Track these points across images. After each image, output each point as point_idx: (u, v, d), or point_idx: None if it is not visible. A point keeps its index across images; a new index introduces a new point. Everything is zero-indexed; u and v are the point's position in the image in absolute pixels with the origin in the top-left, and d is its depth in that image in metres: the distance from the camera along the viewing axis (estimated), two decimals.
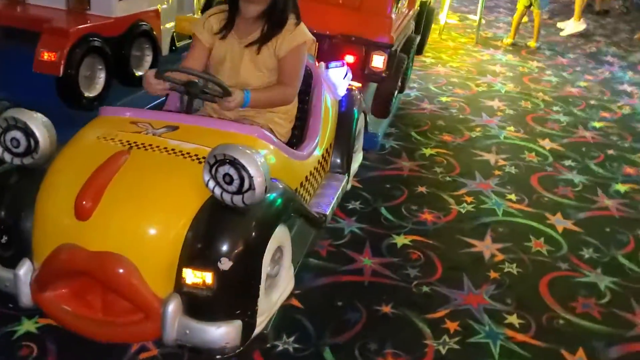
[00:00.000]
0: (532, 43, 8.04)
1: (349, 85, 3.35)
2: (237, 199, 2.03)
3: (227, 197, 2.03)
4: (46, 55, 3.75)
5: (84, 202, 1.98)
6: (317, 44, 3.94)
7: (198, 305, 2.00)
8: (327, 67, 3.13)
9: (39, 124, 2.15)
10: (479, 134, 5.01)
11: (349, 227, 3.40)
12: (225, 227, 2.03)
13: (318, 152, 2.92)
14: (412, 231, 3.43)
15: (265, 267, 2.13)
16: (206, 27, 2.67)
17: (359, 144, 3.63)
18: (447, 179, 4.14)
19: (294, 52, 2.61)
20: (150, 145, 2.20)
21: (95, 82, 4.13)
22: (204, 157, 2.11)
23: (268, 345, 2.40)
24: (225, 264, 1.98)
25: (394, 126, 4.91)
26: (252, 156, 2.01)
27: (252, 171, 1.99)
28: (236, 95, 2.44)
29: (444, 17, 7.90)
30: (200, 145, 2.21)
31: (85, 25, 4.00)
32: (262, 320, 2.21)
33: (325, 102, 3.03)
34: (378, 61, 3.99)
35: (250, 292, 2.09)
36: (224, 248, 1.99)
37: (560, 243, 3.47)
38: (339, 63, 3.19)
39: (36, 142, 2.14)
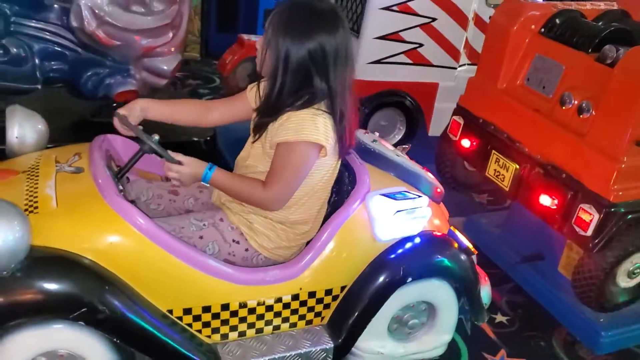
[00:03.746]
0: None
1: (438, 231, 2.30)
2: None
3: None
4: None
5: None
6: (519, 167, 2.86)
7: None
8: (390, 194, 2.17)
9: None
10: None
11: None
12: None
13: (279, 289, 2.06)
14: None
15: None
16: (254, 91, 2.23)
17: (441, 321, 2.44)
18: None
19: (279, 149, 1.97)
20: (35, 176, 2.00)
21: None
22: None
23: None
24: None
25: None
26: None
27: None
28: (186, 168, 1.96)
29: None
30: (54, 197, 1.90)
31: None
32: None
33: (349, 233, 2.14)
34: (584, 219, 2.57)
35: None
36: None
37: None
38: (413, 195, 2.20)
39: None
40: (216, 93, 5.44)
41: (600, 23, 3.06)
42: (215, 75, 5.83)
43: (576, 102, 2.77)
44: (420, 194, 2.24)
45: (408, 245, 2.21)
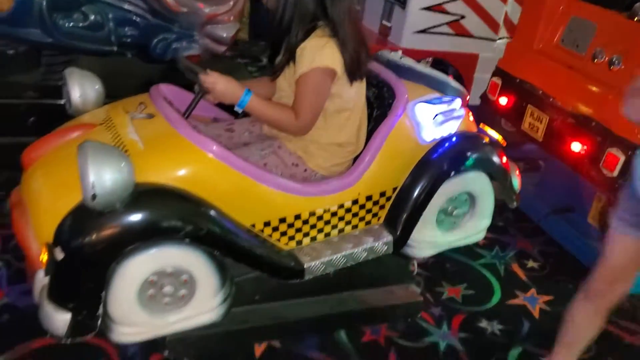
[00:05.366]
0: None
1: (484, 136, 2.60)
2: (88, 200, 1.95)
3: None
4: None
5: (26, 155, 2.29)
6: (547, 118, 3.11)
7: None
8: (426, 99, 2.46)
9: None
10: None
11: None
12: (76, 220, 2.01)
13: (340, 196, 2.37)
14: None
15: (133, 283, 2.07)
16: None
17: (480, 208, 2.71)
18: None
19: (298, 83, 2.24)
20: (112, 126, 2.27)
21: None
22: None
23: None
24: (58, 254, 1.97)
25: None
26: (86, 157, 1.88)
27: (90, 175, 1.88)
28: (214, 77, 2.20)
29: None
30: (139, 140, 2.17)
31: None
32: (133, 331, 2.15)
33: (396, 140, 2.43)
34: (611, 162, 2.80)
35: (80, 292, 2.03)
36: (63, 239, 1.99)
37: None
38: (448, 99, 2.48)
39: None
40: (264, 71, 5.77)
41: None
42: (263, 55, 6.17)
43: (607, 57, 2.99)
44: (453, 97, 2.53)
45: (448, 144, 2.50)
